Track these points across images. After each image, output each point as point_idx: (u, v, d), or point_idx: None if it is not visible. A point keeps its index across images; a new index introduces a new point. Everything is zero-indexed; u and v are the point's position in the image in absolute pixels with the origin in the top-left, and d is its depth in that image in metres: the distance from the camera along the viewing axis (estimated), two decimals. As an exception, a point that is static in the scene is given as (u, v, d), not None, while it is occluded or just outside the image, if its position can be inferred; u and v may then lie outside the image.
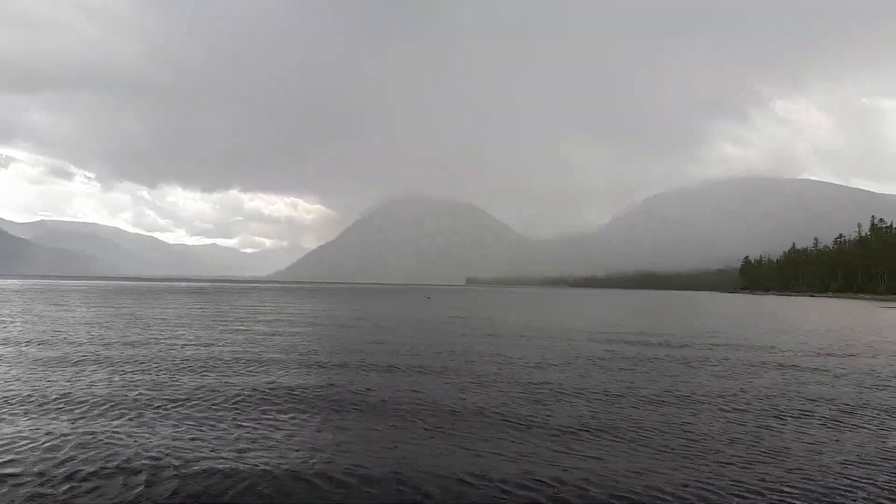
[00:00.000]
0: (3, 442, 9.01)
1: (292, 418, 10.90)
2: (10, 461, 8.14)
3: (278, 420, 10.74)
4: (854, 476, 8.21)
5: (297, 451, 8.90)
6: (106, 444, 8.95)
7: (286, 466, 8.13)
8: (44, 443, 8.97)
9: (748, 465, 8.58)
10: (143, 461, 8.18)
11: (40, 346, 20.53)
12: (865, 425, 11.18)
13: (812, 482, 7.92)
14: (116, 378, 14.56)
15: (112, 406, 11.51)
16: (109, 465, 8.03)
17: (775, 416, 11.73)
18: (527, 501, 7.16)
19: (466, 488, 7.54)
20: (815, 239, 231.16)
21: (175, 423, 10.34)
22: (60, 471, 7.79)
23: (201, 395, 12.64)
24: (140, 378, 14.61)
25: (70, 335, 24.37)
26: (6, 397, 12.14)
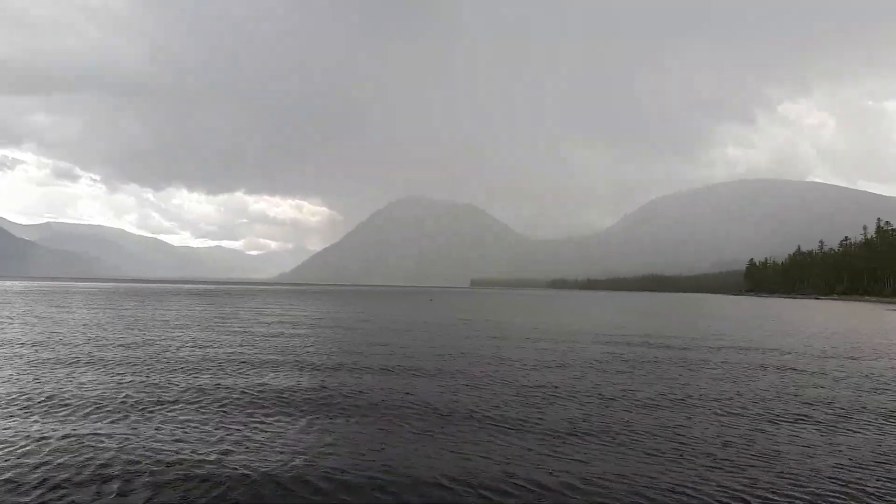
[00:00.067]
0: (-20, 445, 8.88)
1: (278, 420, 10.75)
2: (-18, 466, 7.99)
3: (264, 422, 10.60)
4: (845, 480, 8.03)
5: (280, 453, 8.76)
6: (86, 447, 8.82)
7: (265, 469, 7.98)
8: (22, 446, 8.84)
9: (738, 470, 8.40)
10: (120, 465, 8.03)
11: (35, 348, 20.45)
12: (861, 429, 10.97)
13: (802, 486, 7.74)
14: (107, 380, 14.45)
15: (98, 408, 11.39)
16: (85, 469, 7.88)
17: (770, 420, 11.53)
18: (507, 506, 7.00)
19: (447, 492, 7.39)
20: (821, 241, 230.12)
21: (158, 425, 10.21)
22: (33, 476, 7.63)
23: (189, 397, 12.52)
24: (130, 380, 14.50)
25: (67, 337, 24.30)
26: (-7, 399, 12.02)
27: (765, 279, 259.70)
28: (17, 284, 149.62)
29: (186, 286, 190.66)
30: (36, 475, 7.67)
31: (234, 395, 12.82)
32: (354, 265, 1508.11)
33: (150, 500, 7.01)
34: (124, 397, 12.40)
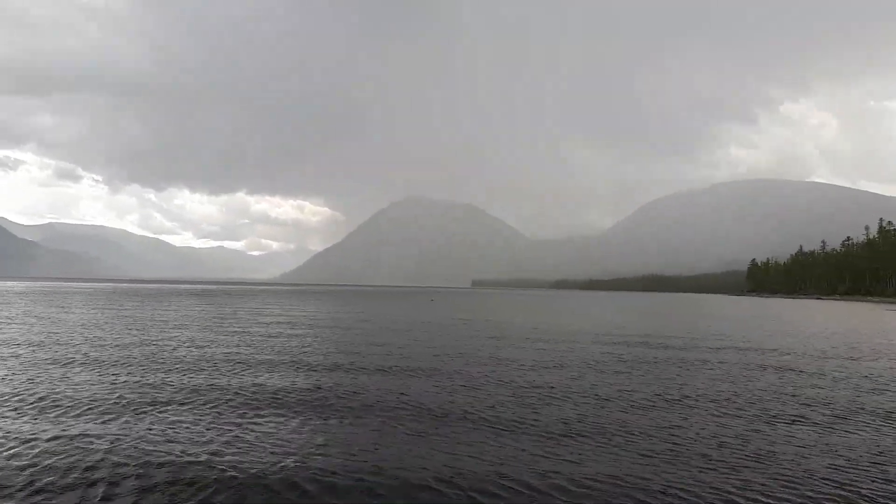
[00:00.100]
0: (-32, 446, 8.81)
1: (270, 421, 10.67)
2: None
3: (257, 423, 10.53)
4: (839, 481, 7.94)
5: (271, 454, 8.68)
6: (74, 448, 8.75)
7: (253, 471, 7.91)
8: (9, 448, 8.76)
9: (732, 470, 8.32)
10: (108, 467, 7.95)
11: (32, 348, 20.39)
12: (858, 430, 10.88)
13: (795, 488, 7.66)
14: (102, 380, 14.40)
15: (90, 408, 11.33)
16: (71, 471, 7.80)
17: (767, 421, 11.44)
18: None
19: (435, 494, 7.31)
20: (823, 241, 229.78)
21: (150, 425, 10.14)
22: (18, 479, 7.53)
23: (183, 398, 12.45)
24: (125, 380, 14.44)
25: (64, 337, 24.24)
26: (-15, 400, 11.96)
27: (767, 279, 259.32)
28: (17, 285, 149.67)
29: (186, 286, 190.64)
30: (21, 478, 7.58)
31: (228, 396, 12.75)
32: (356, 265, 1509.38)
33: (137, 499, 6.94)
34: (117, 398, 12.33)
